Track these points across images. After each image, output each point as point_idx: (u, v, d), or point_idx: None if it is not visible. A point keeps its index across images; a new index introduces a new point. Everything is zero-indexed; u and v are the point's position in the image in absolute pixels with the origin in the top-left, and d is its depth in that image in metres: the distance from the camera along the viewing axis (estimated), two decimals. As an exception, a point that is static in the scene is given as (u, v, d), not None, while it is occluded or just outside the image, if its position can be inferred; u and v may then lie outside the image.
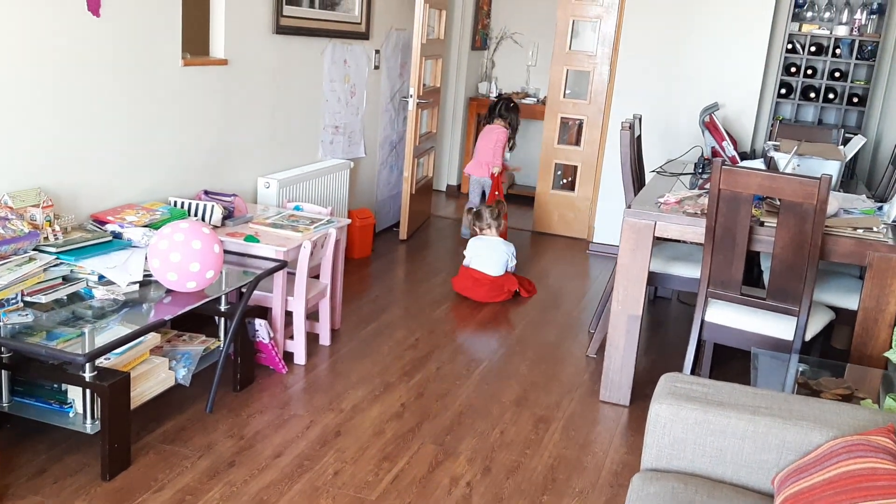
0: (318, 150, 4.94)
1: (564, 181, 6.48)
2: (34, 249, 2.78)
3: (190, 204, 3.57)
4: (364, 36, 5.23)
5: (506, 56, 7.69)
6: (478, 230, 4.99)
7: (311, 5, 4.57)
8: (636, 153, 4.17)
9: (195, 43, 3.92)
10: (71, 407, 2.70)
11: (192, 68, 3.71)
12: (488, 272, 4.70)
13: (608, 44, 5.99)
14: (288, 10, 4.33)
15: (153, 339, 2.91)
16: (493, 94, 7.52)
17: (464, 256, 4.83)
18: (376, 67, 5.53)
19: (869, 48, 5.36)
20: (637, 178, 4.12)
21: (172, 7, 3.52)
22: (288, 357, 3.58)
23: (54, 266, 2.80)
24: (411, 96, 5.53)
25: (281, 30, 4.30)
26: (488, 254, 4.75)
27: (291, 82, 4.53)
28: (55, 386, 2.73)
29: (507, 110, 6.20)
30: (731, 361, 3.86)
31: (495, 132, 6.10)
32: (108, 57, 3.21)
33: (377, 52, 5.49)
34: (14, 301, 2.63)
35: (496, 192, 6.02)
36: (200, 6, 3.91)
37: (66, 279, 2.83)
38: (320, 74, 4.82)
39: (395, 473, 2.80)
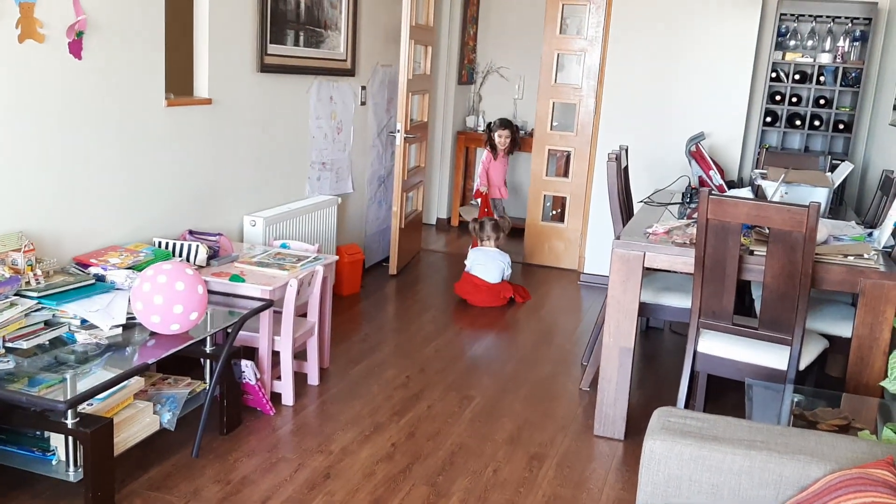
0: (306, 186, 4.92)
1: (554, 212, 6.48)
2: (15, 294, 2.74)
3: (174, 244, 3.53)
4: (350, 73, 5.24)
5: (493, 90, 7.73)
6: (479, 240, 5.57)
7: (296, 43, 4.58)
8: (623, 184, 4.16)
9: (179, 82, 3.91)
10: (54, 454, 2.64)
11: (177, 108, 3.69)
12: (486, 279, 5.26)
13: (593, 76, 6.02)
14: (272, 48, 4.33)
15: (137, 383, 2.86)
16: (481, 128, 7.55)
17: (464, 265, 5.43)
18: (363, 103, 5.53)
19: (853, 75, 5.39)
20: (625, 209, 4.11)
21: (155, 48, 3.52)
22: (276, 398, 3.52)
23: (36, 311, 2.75)
24: (399, 131, 5.53)
25: (266, 68, 4.30)
26: (486, 262, 5.32)
27: (277, 120, 4.52)
28: (38, 433, 2.66)
29: (488, 130, 6.72)
30: (725, 392, 3.82)
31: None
32: (90, 99, 3.19)
33: (363, 88, 5.50)
34: (-6, 348, 2.58)
35: (485, 209, 6.40)
36: (184, 45, 3.91)
37: (49, 324, 2.79)
38: (306, 111, 4.81)
39: (387, 516, 2.74)
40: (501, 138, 6.55)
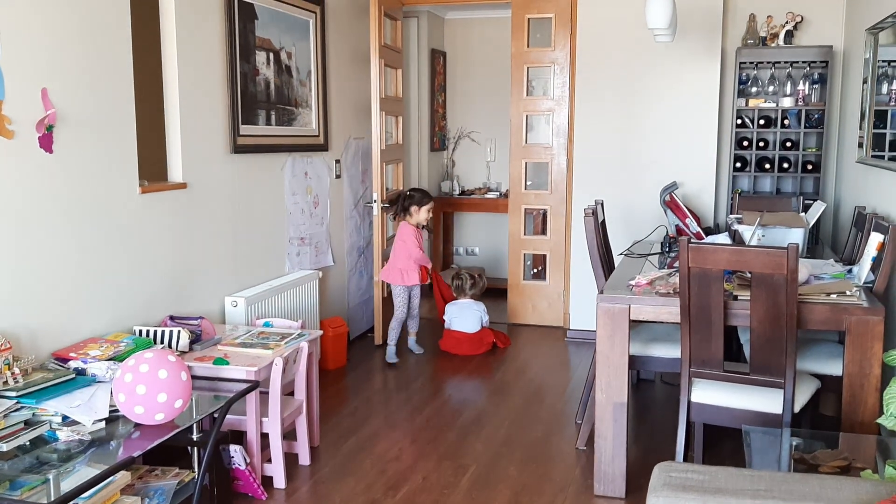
0: (285, 263, 4.90)
1: (535, 270, 6.48)
2: (-7, 395, 2.67)
3: (155, 331, 3.48)
4: (323, 147, 5.28)
5: (465, 154, 7.82)
6: (456, 294, 5.82)
7: (268, 122, 4.62)
8: (602, 237, 4.18)
9: (152, 167, 3.92)
10: (39, 561, 2.54)
11: (151, 195, 3.68)
12: (467, 330, 5.56)
13: (563, 134, 6.11)
14: (244, 129, 4.36)
15: (123, 477, 2.77)
16: (456, 192, 7.60)
17: (443, 321, 5.68)
18: (338, 177, 5.56)
19: (816, 116, 5.50)
20: (606, 262, 4.12)
21: (127, 136, 3.52)
22: (267, 482, 3.43)
23: (15, 411, 2.68)
24: (375, 201, 5.55)
25: (239, 149, 4.32)
26: (463, 315, 5.60)
27: (253, 199, 4.52)
28: (21, 540, 2.57)
29: (404, 201, 5.44)
30: (722, 439, 3.78)
31: (400, 231, 5.41)
32: (63, 192, 3.18)
33: (337, 161, 5.54)
34: (-27, 452, 2.50)
35: (442, 297, 5.90)
36: (155, 130, 3.92)
37: (29, 423, 2.71)
38: (281, 189, 4.83)
39: None
40: (430, 213, 5.50)
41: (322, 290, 5.25)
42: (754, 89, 5.63)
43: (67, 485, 2.40)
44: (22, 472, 2.49)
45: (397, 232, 5.47)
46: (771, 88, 5.61)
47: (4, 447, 2.58)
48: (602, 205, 4.33)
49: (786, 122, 5.55)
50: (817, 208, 4.37)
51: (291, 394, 3.71)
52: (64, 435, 2.71)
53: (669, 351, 3.69)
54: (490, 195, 7.47)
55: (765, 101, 5.58)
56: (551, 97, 6.12)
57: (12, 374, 2.76)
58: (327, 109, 5.31)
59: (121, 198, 3.50)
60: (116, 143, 3.46)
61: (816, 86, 5.54)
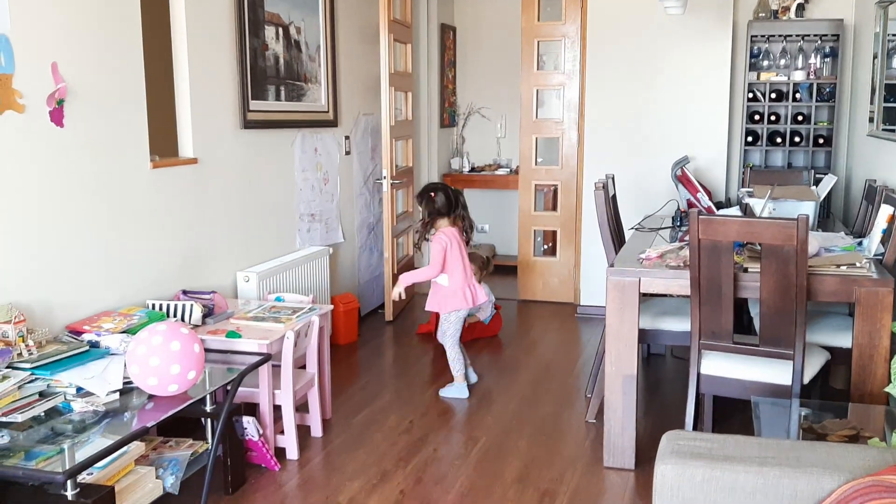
0: (296, 239, 4.92)
1: (545, 247, 6.48)
2: (7, 367, 2.70)
3: (168, 305, 3.51)
4: (332, 123, 5.28)
5: (475, 130, 7.79)
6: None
7: (278, 98, 4.62)
8: (612, 212, 4.17)
9: (163, 143, 3.93)
10: (55, 529, 2.58)
11: (162, 170, 3.70)
12: (482, 318, 5.29)
13: (574, 109, 6.08)
14: (254, 104, 4.36)
15: (137, 448, 2.81)
16: (466, 169, 7.58)
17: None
18: (347, 153, 5.56)
19: (827, 90, 5.46)
20: (616, 237, 4.12)
21: (137, 111, 3.53)
22: (280, 453, 3.47)
23: (29, 382, 2.71)
24: (385, 178, 5.55)
25: (249, 124, 4.32)
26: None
27: (263, 175, 4.53)
28: (38, 508, 2.61)
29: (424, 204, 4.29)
30: (732, 413, 3.79)
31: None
32: (75, 166, 3.20)
33: (347, 137, 5.54)
34: (-11, 423, 2.54)
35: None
36: (166, 106, 3.93)
37: (43, 395, 2.74)
38: (291, 165, 4.83)
39: (400, 565, 2.69)
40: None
41: (332, 266, 5.27)
42: (766, 63, 5.58)
43: (82, 454, 2.43)
44: (37, 443, 2.52)
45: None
46: (782, 62, 5.56)
47: (20, 418, 2.61)
48: (613, 179, 4.32)
49: (797, 95, 5.51)
50: (828, 182, 4.35)
51: (303, 367, 3.74)
52: (78, 406, 2.74)
53: (679, 324, 3.69)
54: (500, 172, 7.45)
55: (776, 75, 5.53)
56: (562, 71, 6.09)
57: (27, 346, 2.79)
58: (337, 85, 5.30)
59: (132, 173, 3.52)
60: (127, 118, 3.47)
61: (828, 59, 5.49)
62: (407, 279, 4.32)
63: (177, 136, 3.95)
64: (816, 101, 5.48)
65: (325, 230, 5.25)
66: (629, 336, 3.31)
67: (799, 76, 5.47)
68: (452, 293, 4.21)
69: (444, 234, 4.14)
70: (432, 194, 4.21)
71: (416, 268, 6.23)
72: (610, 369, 3.35)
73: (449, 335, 4.28)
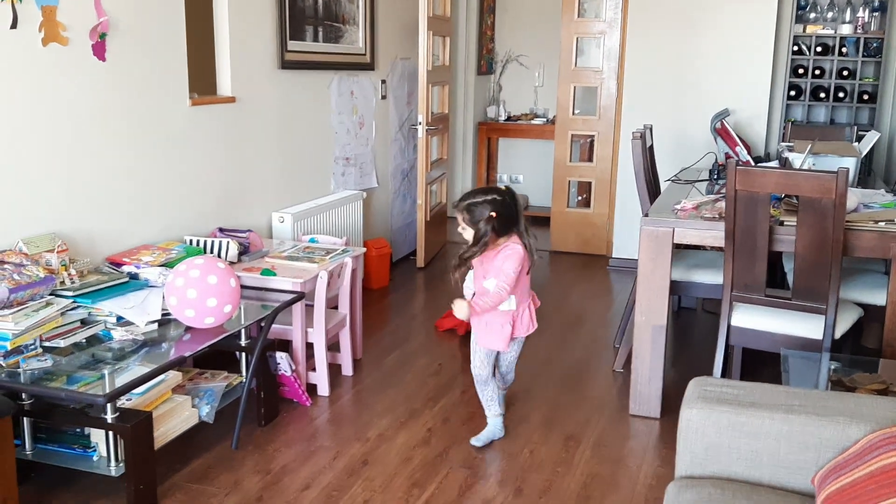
0: (331, 182, 4.95)
1: (580, 198, 6.45)
2: (51, 294, 2.78)
3: (205, 241, 3.57)
4: (369, 67, 5.26)
5: (512, 78, 7.71)
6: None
7: (315, 39, 4.61)
8: (649, 163, 4.14)
9: (202, 82, 3.95)
10: (95, 451, 2.68)
11: (201, 108, 3.73)
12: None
13: (614, 58, 5.98)
14: (292, 44, 4.36)
15: (174, 377, 2.89)
16: (502, 117, 7.53)
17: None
18: (383, 97, 5.55)
19: (874, 45, 5.32)
20: (652, 188, 4.09)
21: (177, 48, 3.55)
22: (311, 389, 3.54)
23: (72, 310, 2.80)
24: (420, 124, 5.54)
25: (286, 65, 4.33)
26: None
27: (300, 116, 4.55)
28: (78, 431, 2.70)
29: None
30: (760, 368, 3.78)
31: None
32: (116, 100, 3.24)
33: (383, 82, 5.52)
34: (33, 347, 2.63)
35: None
36: (205, 45, 3.95)
37: (85, 322, 2.83)
38: (328, 107, 4.84)
39: (426, 499, 2.75)
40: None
41: (366, 211, 5.30)
42: (812, 15, 5.45)
43: (121, 380, 2.52)
44: (79, 368, 2.61)
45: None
46: (830, 14, 5.42)
47: (62, 343, 2.71)
48: (651, 129, 4.28)
49: (843, 50, 5.38)
50: (871, 138, 4.26)
51: (336, 308, 3.79)
52: (118, 335, 2.82)
53: (712, 277, 3.68)
54: (536, 121, 7.39)
55: (823, 28, 5.40)
56: (603, 19, 5.99)
57: (69, 274, 2.87)
58: (374, 28, 5.27)
59: (171, 109, 3.55)
60: (167, 54, 3.49)
61: (877, 13, 5.34)
62: (479, 305, 2.98)
63: (215, 75, 3.97)
64: (863, 56, 5.35)
65: (359, 174, 5.27)
66: (660, 286, 3.31)
67: (846, 30, 5.34)
68: (500, 325, 3.05)
69: (519, 245, 3.02)
70: (492, 213, 2.92)
71: (448, 216, 6.24)
72: (640, 319, 3.36)
73: (476, 373, 3.15)
